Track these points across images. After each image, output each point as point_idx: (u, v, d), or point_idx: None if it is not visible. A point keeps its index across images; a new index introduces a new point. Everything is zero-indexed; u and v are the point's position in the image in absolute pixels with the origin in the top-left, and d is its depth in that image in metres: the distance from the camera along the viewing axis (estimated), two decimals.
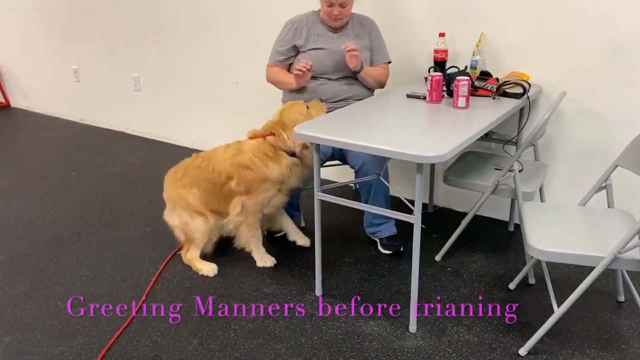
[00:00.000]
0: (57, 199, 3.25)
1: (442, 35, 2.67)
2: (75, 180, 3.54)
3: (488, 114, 2.15)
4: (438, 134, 1.91)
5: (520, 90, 2.33)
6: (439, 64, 2.71)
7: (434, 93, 2.27)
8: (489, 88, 2.37)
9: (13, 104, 5.56)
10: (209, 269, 2.45)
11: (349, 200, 2.10)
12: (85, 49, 4.55)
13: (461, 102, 2.18)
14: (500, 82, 2.42)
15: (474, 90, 2.38)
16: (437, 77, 2.25)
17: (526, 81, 2.35)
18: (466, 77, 2.16)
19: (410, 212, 1.91)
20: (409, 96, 2.41)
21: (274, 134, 2.39)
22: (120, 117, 4.56)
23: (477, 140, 2.04)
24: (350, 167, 2.46)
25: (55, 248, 2.69)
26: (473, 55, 2.61)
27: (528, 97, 2.33)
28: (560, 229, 1.88)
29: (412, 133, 1.92)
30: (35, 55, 5.02)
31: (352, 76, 2.55)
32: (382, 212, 2.02)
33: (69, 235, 2.81)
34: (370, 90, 2.68)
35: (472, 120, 2.07)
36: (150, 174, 3.61)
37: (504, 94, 2.36)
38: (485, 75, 2.51)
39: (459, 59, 2.75)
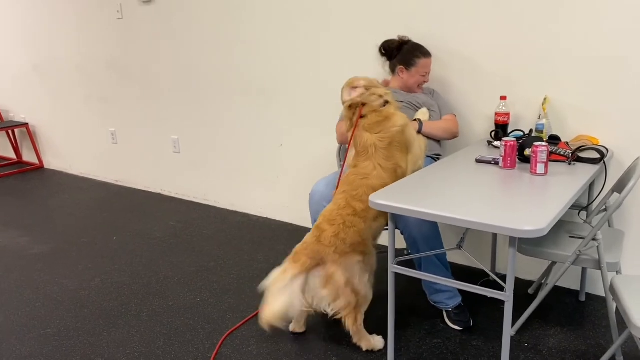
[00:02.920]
0: (100, 266, 3.15)
1: (503, 98, 2.62)
2: (116, 245, 3.46)
3: (569, 180, 2.05)
4: (526, 204, 1.80)
5: (596, 155, 2.24)
6: (501, 127, 2.64)
7: (508, 159, 2.19)
8: (562, 153, 2.28)
9: (46, 165, 5.57)
10: (378, 342, 2.31)
11: (427, 274, 1.97)
12: (123, 112, 4.57)
13: (540, 168, 2.09)
14: (571, 146, 2.33)
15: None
16: (512, 143, 2.17)
17: (602, 146, 2.27)
18: (545, 143, 2.07)
19: (489, 283, 1.78)
20: (478, 161, 2.33)
21: (363, 104, 2.31)
22: (158, 179, 4.53)
23: None
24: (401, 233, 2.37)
25: (103, 320, 2.57)
26: (539, 118, 2.54)
27: (604, 163, 2.23)
28: None
29: (496, 203, 1.82)
30: (71, 117, 5.06)
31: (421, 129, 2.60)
32: (469, 288, 1.89)
33: (116, 306, 2.69)
34: (438, 143, 2.67)
35: (555, 188, 1.97)
36: (193, 239, 3.52)
37: (577, 159, 2.27)
38: (554, 139, 2.43)
39: (520, 122, 2.69)
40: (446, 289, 2.42)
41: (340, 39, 3.17)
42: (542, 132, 2.52)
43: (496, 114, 2.63)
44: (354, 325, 2.19)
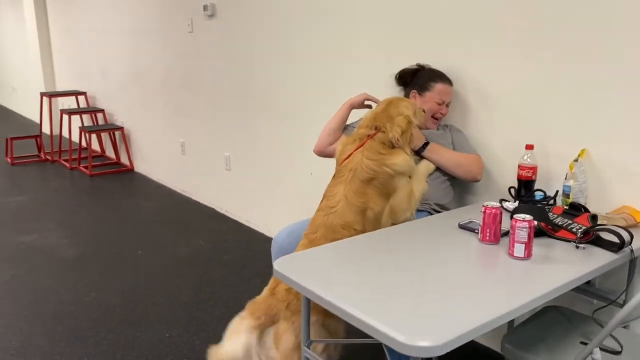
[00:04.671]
0: (105, 281, 3.12)
1: (529, 147, 2.06)
2: (136, 260, 3.42)
3: (560, 272, 1.49)
4: (461, 303, 1.32)
5: (615, 240, 1.62)
6: (525, 184, 2.08)
7: (488, 230, 1.67)
8: (574, 230, 1.70)
9: (136, 169, 5.84)
10: None
11: None
12: (190, 124, 4.60)
13: (518, 250, 1.56)
14: (604, 219, 1.73)
15: (553, 231, 1.73)
16: (494, 210, 1.66)
17: (627, 228, 1.64)
18: (528, 217, 1.54)
19: None
20: (461, 227, 1.83)
21: (380, 129, 2.01)
22: (213, 194, 4.47)
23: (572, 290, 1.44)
24: None
25: (66, 343, 2.50)
26: (565, 178, 1.95)
27: (632, 251, 1.61)
28: None
29: (424, 297, 1.35)
30: (153, 125, 5.24)
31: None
32: None
33: (88, 329, 2.61)
34: (447, 191, 2.23)
35: (528, 281, 1.44)
36: (209, 262, 3.36)
37: (596, 240, 1.67)
38: (575, 209, 1.84)
39: (552, 179, 2.11)
40: None
41: (368, 71, 2.79)
42: (569, 196, 1.93)
43: (519, 166, 2.08)
44: None
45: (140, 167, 5.75)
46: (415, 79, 2.34)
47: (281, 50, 3.40)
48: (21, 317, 2.73)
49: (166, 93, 4.89)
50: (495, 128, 2.27)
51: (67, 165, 5.96)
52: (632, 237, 1.58)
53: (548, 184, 2.11)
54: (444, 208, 2.21)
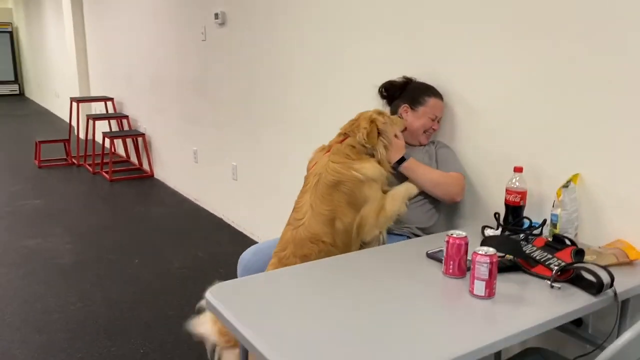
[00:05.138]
0: (95, 290, 3.08)
1: (518, 170, 1.88)
2: (132, 269, 3.37)
3: (522, 316, 1.31)
4: (407, 348, 1.17)
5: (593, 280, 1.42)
6: (512, 210, 1.89)
7: (451, 263, 1.50)
8: (552, 266, 1.51)
9: (155, 175, 5.85)
10: None
11: None
12: (202, 132, 4.55)
13: (478, 288, 1.38)
14: (578, 258, 1.54)
15: (529, 266, 1.54)
16: (457, 241, 1.48)
17: (608, 267, 1.43)
18: (490, 252, 1.36)
19: None
20: (429, 256, 1.66)
21: (348, 136, 1.96)
22: (221, 204, 4.41)
23: (556, 329, 1.33)
24: None
25: (40, 353, 2.44)
26: (553, 206, 1.75)
27: (616, 294, 1.41)
28: None
29: (373, 338, 1.21)
30: (169, 132, 5.24)
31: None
32: None
33: (66, 340, 2.56)
34: (431, 214, 2.07)
35: (482, 327, 1.27)
36: (204, 276, 3.27)
37: (575, 279, 1.47)
38: (558, 242, 1.64)
39: (544, 205, 1.91)
40: None
41: (375, 81, 2.65)
42: (556, 226, 1.74)
43: (507, 190, 1.89)
44: None
45: (160, 173, 5.75)
46: (404, 93, 2.20)
47: (288, 61, 3.30)
48: (4, 324, 2.71)
49: (181, 100, 4.87)
50: (484, 146, 2.09)
51: (91, 169, 6.04)
52: (612, 278, 1.38)
53: (540, 210, 1.91)
54: (426, 232, 2.05)
